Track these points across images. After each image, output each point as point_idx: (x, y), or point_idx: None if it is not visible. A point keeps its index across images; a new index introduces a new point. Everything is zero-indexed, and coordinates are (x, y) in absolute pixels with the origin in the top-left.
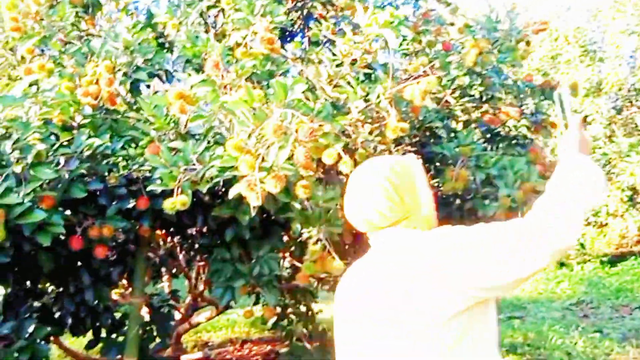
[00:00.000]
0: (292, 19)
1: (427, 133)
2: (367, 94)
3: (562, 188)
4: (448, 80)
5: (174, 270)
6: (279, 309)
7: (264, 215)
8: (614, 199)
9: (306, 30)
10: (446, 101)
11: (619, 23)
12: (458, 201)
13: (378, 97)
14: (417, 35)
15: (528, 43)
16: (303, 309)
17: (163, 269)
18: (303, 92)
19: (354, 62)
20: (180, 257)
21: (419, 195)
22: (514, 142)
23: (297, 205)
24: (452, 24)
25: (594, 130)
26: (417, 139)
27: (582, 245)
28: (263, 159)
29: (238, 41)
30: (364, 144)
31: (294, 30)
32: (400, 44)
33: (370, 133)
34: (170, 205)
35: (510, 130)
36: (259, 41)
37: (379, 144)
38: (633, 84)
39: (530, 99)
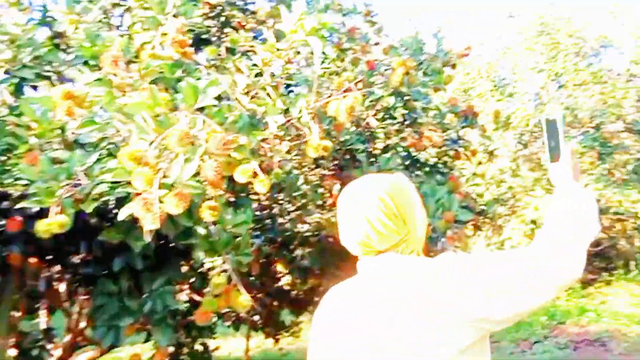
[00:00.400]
0: (208, 26)
1: (347, 156)
2: (288, 108)
3: (565, 220)
4: (371, 101)
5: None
6: (172, 348)
7: (161, 242)
8: (518, 232)
9: (223, 37)
10: (367, 123)
11: (528, 61)
12: None
13: (300, 111)
14: (341, 52)
15: (454, 66)
16: (199, 347)
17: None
18: (216, 99)
19: (274, 74)
20: (62, 288)
21: (415, 216)
22: (434, 169)
23: (201, 230)
24: (376, 44)
25: (500, 164)
26: (336, 161)
27: None
28: (164, 174)
29: (146, 42)
30: (281, 162)
31: (210, 37)
32: (323, 61)
33: (289, 152)
34: (45, 228)
35: (432, 156)
36: (169, 43)
37: (297, 163)
38: (539, 119)
39: (454, 124)
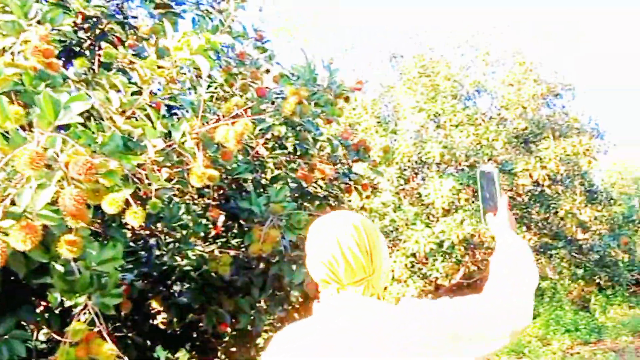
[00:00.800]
0: (81, 38)
1: (234, 186)
2: (169, 132)
3: (513, 270)
4: (261, 130)
5: None
6: None
7: (11, 278)
8: (399, 264)
9: (98, 51)
10: (257, 152)
11: (409, 100)
12: (262, 265)
13: (183, 135)
14: (230, 77)
15: (347, 99)
16: None
17: None
18: (85, 117)
19: (155, 93)
20: None
21: (382, 259)
22: (324, 202)
23: (59, 267)
24: (267, 71)
25: (384, 198)
26: (223, 192)
27: None
28: (12, 202)
29: (4, 49)
30: (159, 192)
31: (83, 50)
32: (209, 85)
33: (169, 180)
34: None
35: (322, 189)
36: (31, 52)
37: (178, 192)
38: (420, 155)
39: (344, 157)
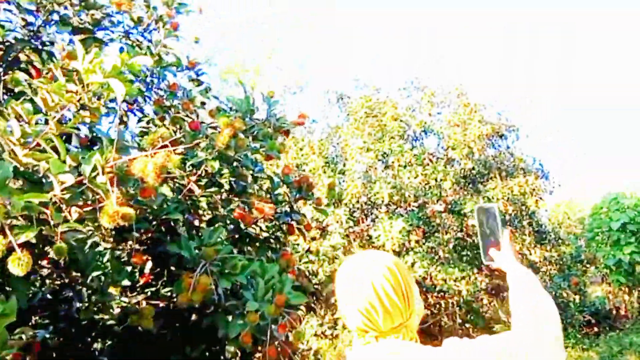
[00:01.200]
0: None
1: (164, 228)
2: (79, 165)
3: (533, 300)
4: (192, 165)
5: None
6: None
7: None
8: None
9: (4, 77)
10: (189, 190)
11: (357, 140)
12: (194, 317)
13: (94, 169)
14: (161, 109)
15: (287, 133)
16: None
17: None
18: None
19: (64, 122)
20: None
21: (416, 300)
22: (265, 244)
23: None
24: (203, 104)
25: (333, 240)
26: (151, 235)
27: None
28: None
29: None
30: (67, 234)
31: None
32: (139, 120)
33: (80, 221)
34: None
35: (262, 230)
36: None
37: (90, 234)
38: (368, 196)
39: (288, 196)
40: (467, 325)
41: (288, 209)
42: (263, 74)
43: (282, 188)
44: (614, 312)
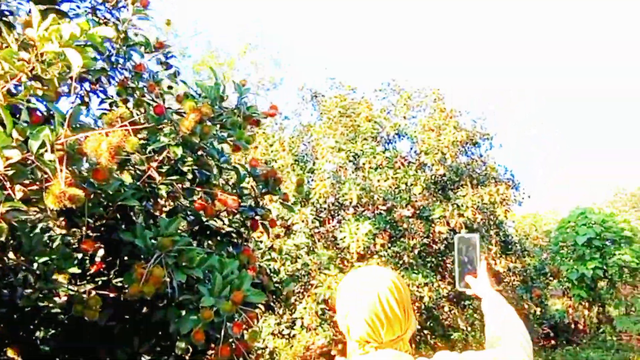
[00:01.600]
0: None
1: (118, 215)
2: (27, 140)
3: (510, 325)
4: (154, 151)
5: None
6: None
7: None
8: (309, 311)
9: None
10: (149, 176)
11: (328, 139)
12: (145, 309)
13: (43, 146)
14: (124, 91)
15: (257, 123)
16: None
17: None
18: None
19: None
20: None
21: (412, 315)
22: (226, 239)
23: None
24: (170, 88)
25: (297, 240)
26: (104, 221)
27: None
28: None
29: None
30: (9, 214)
31: None
32: (102, 102)
33: (26, 201)
34: None
35: (225, 224)
36: None
37: (40, 218)
38: (337, 197)
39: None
40: (425, 331)
41: (253, 203)
42: (237, 68)
43: (249, 181)
44: (573, 326)
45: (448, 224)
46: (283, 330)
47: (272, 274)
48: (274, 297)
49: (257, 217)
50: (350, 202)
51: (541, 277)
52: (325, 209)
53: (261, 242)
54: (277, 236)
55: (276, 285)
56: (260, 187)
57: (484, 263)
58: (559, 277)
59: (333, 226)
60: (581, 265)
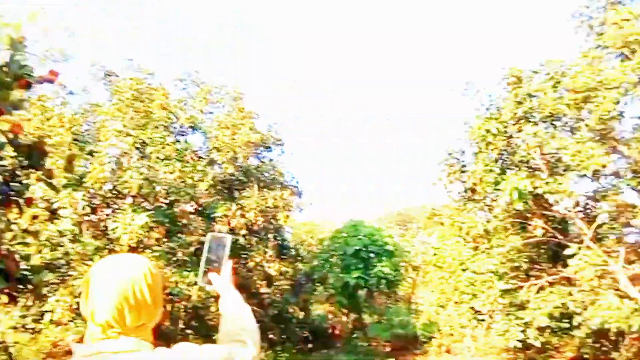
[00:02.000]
0: None
1: None
2: None
3: (241, 321)
4: None
5: None
6: None
7: None
8: (63, 304)
9: None
10: None
11: (116, 122)
12: None
13: None
14: None
15: (29, 85)
16: None
17: None
18: None
19: None
20: None
21: (160, 306)
22: None
23: None
24: None
25: (62, 226)
26: None
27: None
28: None
29: None
30: None
31: None
32: None
33: None
34: None
35: None
36: None
37: None
38: (115, 185)
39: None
40: (189, 331)
41: (9, 176)
42: (24, 34)
43: (7, 151)
44: (330, 330)
45: (229, 223)
46: (28, 324)
47: (21, 261)
48: (20, 285)
49: (12, 193)
50: (129, 191)
51: (309, 283)
52: (100, 195)
53: (16, 223)
54: (35, 217)
55: (25, 273)
56: (22, 158)
57: (230, 263)
58: (326, 283)
59: (106, 215)
60: (346, 274)
